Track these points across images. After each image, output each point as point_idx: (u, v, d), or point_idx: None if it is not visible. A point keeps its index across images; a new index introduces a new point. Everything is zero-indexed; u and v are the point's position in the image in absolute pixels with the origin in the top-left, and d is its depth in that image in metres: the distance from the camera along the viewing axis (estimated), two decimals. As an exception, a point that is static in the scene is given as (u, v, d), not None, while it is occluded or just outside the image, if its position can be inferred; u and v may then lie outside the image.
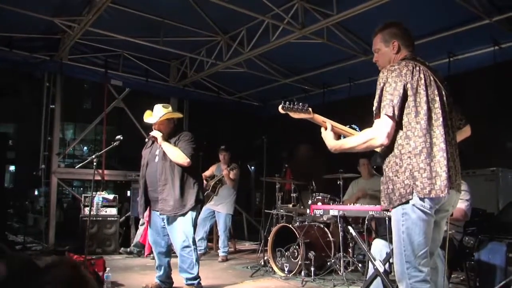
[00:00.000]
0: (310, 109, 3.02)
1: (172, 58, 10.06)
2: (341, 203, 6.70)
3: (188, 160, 4.91)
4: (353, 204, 5.63)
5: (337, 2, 6.60)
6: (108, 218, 8.44)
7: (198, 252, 7.53)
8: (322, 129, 3.04)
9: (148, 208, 5.26)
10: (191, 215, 5.02)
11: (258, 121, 12.07)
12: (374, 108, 2.79)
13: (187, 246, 5.02)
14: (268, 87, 10.44)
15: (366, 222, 5.55)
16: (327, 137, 2.99)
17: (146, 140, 5.23)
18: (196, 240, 7.57)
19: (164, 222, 5.11)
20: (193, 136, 5.13)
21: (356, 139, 2.88)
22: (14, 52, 8.30)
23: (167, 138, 5.09)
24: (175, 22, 7.81)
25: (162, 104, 5.23)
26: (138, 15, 7.44)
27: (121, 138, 5.38)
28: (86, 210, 8.23)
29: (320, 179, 7.39)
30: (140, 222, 8.12)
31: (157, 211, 5.06)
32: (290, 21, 7.04)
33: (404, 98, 2.73)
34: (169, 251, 5.33)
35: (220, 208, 7.90)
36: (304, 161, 10.96)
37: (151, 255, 7.17)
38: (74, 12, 7.36)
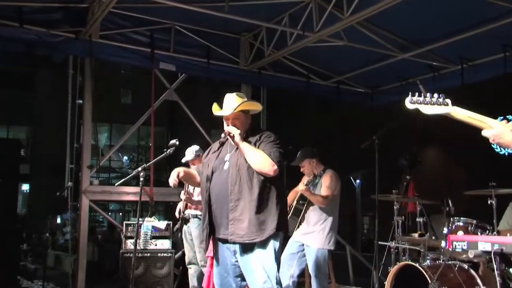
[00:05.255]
0: (448, 100, 3.00)
1: (242, 30, 10.23)
2: (495, 233, 6.50)
3: (276, 167, 4.85)
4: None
5: None
6: (159, 254, 8.61)
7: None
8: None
9: (211, 239, 5.21)
10: (273, 245, 4.93)
11: (364, 115, 12.01)
12: None
13: (270, 289, 4.96)
14: (378, 65, 10.37)
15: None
16: (504, 133, 2.87)
17: (222, 136, 5.18)
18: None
19: (235, 257, 5.04)
20: (277, 138, 5.14)
21: None
22: (25, 28, 8.40)
23: (245, 138, 5.08)
24: (245, -21, 7.91)
25: (235, 93, 5.24)
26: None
27: (177, 143, 5.47)
28: (130, 243, 8.48)
29: (460, 197, 7.25)
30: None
31: (225, 240, 4.99)
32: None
33: None
34: (245, 296, 5.30)
35: (309, 239, 7.47)
36: (434, 171, 10.80)
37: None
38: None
